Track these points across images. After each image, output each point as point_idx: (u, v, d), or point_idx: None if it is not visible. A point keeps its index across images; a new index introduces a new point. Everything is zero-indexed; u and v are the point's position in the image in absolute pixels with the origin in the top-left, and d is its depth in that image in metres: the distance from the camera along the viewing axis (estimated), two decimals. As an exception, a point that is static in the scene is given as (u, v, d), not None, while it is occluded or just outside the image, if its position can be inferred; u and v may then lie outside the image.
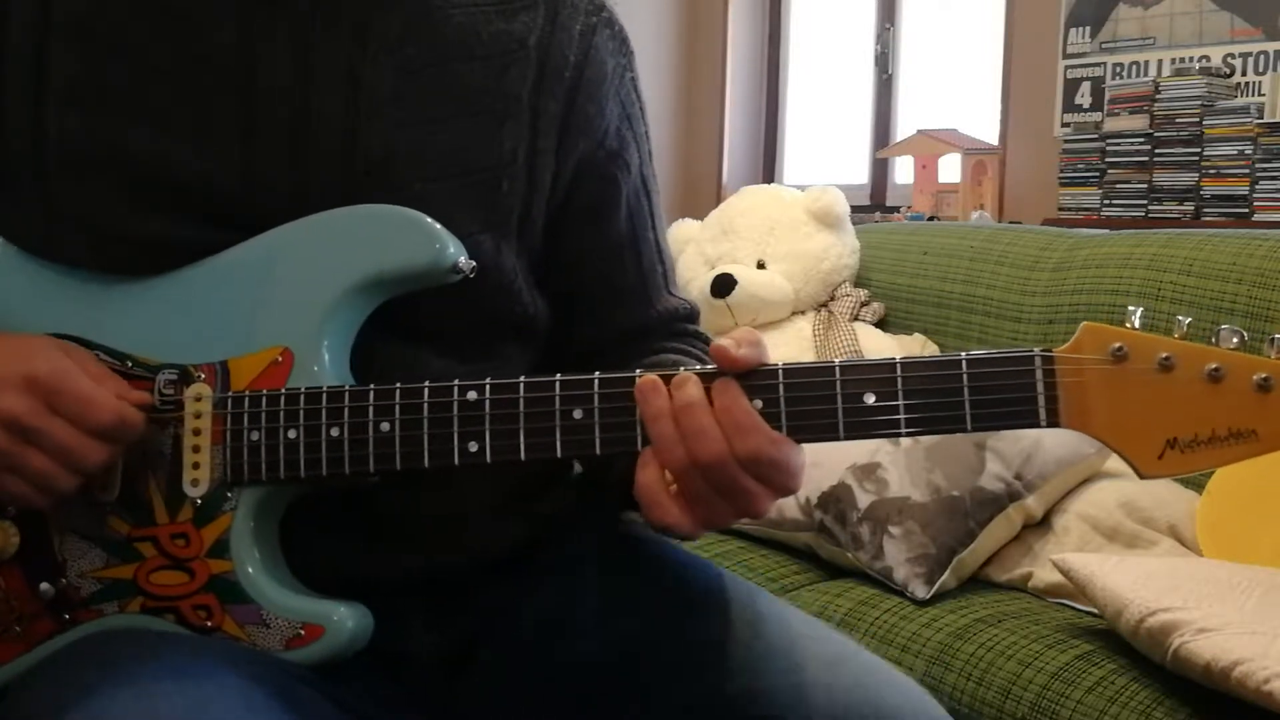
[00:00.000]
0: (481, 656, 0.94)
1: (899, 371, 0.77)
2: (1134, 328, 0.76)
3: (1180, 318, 0.75)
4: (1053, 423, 0.75)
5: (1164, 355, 0.74)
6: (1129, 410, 0.75)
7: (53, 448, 0.80)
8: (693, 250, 2.71)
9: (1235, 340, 0.74)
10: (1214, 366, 0.73)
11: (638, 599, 0.93)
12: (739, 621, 0.90)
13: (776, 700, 0.84)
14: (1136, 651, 1.37)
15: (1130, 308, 0.76)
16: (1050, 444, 1.73)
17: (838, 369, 0.78)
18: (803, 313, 2.58)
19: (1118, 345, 0.75)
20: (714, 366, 0.79)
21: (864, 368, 0.78)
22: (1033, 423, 0.76)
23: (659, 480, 0.79)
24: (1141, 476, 0.76)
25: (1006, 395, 0.76)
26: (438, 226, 0.86)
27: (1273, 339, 0.73)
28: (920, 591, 1.64)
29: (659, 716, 0.87)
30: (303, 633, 0.83)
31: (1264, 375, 0.73)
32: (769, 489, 0.79)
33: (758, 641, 0.89)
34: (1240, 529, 1.61)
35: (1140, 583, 1.38)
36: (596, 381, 0.81)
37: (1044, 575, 1.66)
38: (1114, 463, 1.80)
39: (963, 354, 0.77)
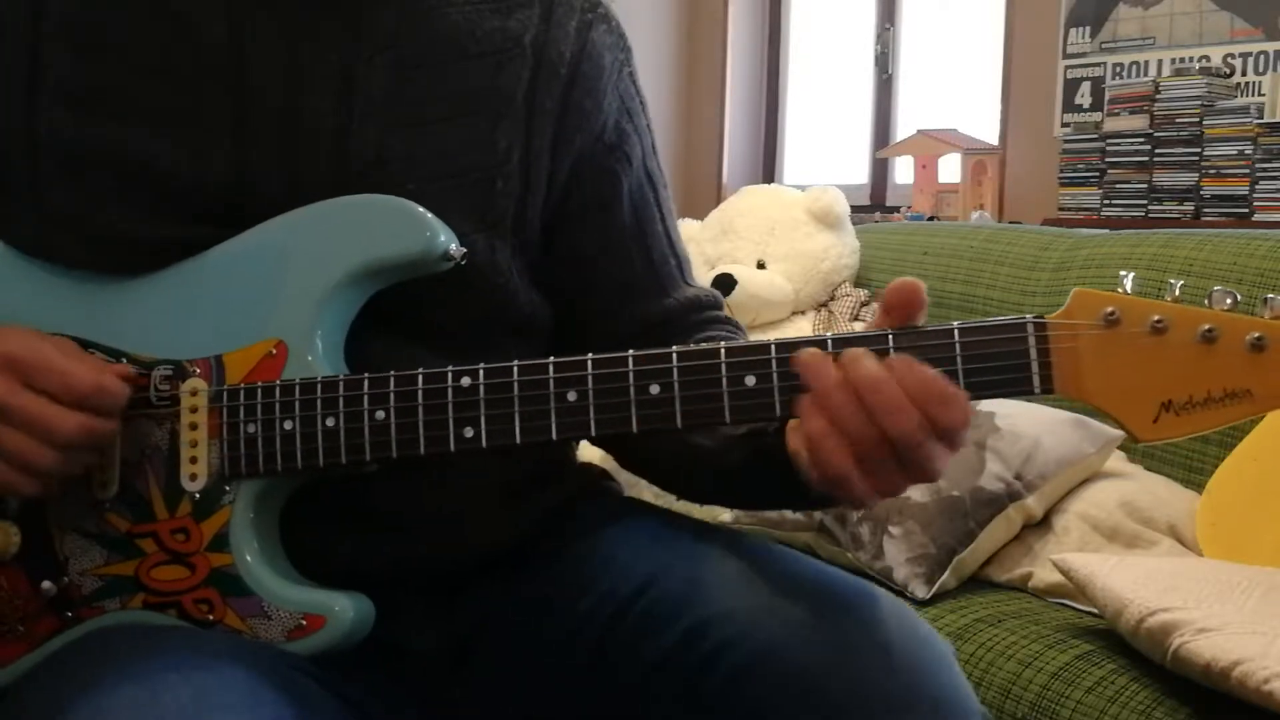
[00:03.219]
0: (481, 650, 0.94)
1: (891, 343, 0.77)
2: (1126, 293, 0.75)
3: (1172, 281, 0.75)
4: (1046, 389, 0.75)
5: (1156, 318, 0.74)
6: (1123, 374, 0.74)
7: (26, 422, 0.80)
8: (693, 250, 2.70)
9: (1229, 301, 0.74)
10: (1207, 328, 0.73)
11: (624, 559, 0.91)
12: (724, 559, 0.89)
13: (732, 622, 0.83)
14: (1136, 651, 1.37)
15: (1122, 273, 0.76)
16: (1050, 444, 1.73)
17: (829, 342, 0.77)
18: (803, 313, 2.58)
19: (1110, 310, 0.74)
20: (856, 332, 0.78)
21: (852, 340, 0.77)
22: (1026, 389, 0.76)
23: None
24: (1137, 441, 0.75)
25: (1000, 363, 0.76)
26: (428, 214, 0.86)
27: (1266, 299, 0.73)
28: (920, 591, 1.63)
29: (647, 661, 0.86)
30: (304, 623, 0.84)
31: (1258, 334, 0.72)
32: (952, 451, 0.76)
33: (735, 570, 0.88)
34: (1240, 529, 1.61)
35: (1140, 583, 1.38)
36: (590, 363, 0.81)
37: (1044, 575, 1.66)
38: (1114, 462, 1.80)
39: (955, 323, 0.77)
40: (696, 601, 0.87)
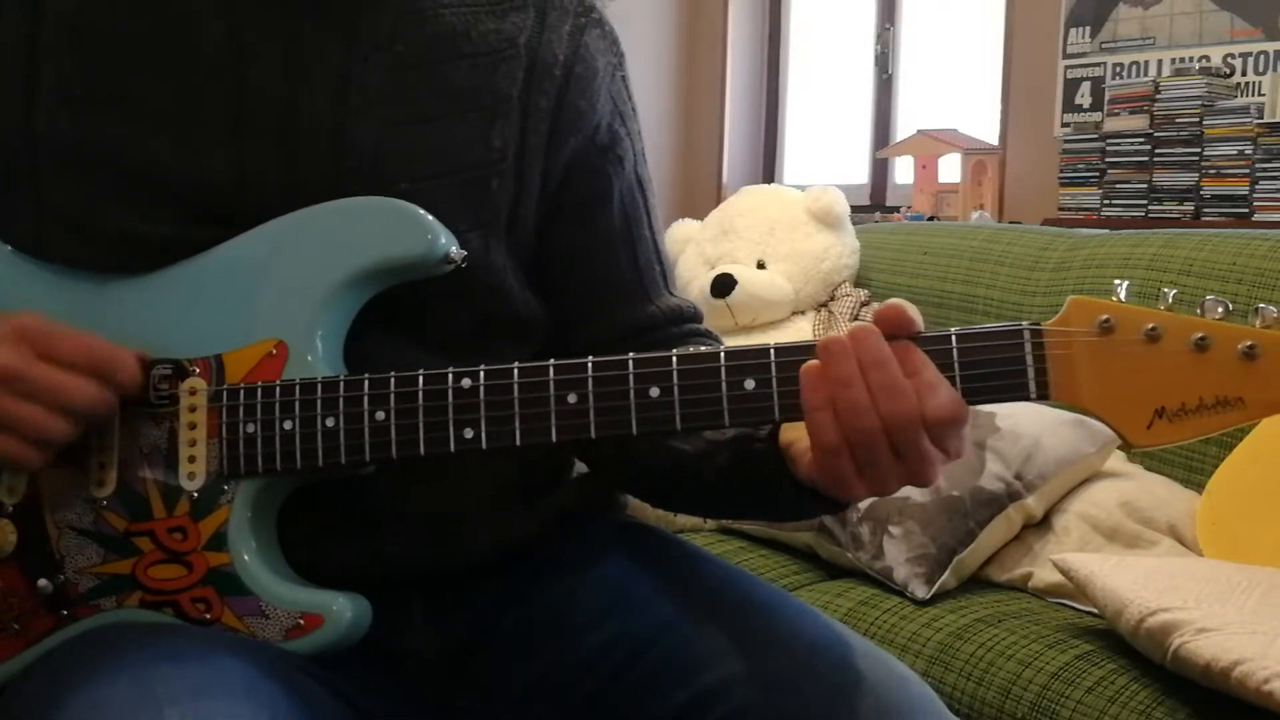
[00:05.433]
0: (480, 652, 0.94)
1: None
2: (1120, 300, 0.76)
3: (1165, 289, 0.76)
4: (1042, 395, 0.76)
5: (1150, 326, 0.75)
6: (1117, 381, 0.75)
7: (41, 390, 0.80)
8: (693, 250, 2.70)
9: (1220, 310, 0.75)
10: (1200, 336, 0.74)
11: (639, 599, 0.92)
12: (736, 616, 0.90)
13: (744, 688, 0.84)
14: (1136, 651, 1.37)
15: (1116, 281, 0.77)
16: (1050, 444, 1.73)
17: None
18: (803, 313, 2.58)
19: (1105, 317, 0.75)
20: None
21: None
22: (1023, 395, 0.76)
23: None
24: (1131, 447, 0.77)
25: (996, 369, 0.76)
26: (429, 217, 0.86)
27: (1256, 308, 0.74)
28: (920, 591, 1.63)
29: (655, 714, 0.87)
30: (302, 622, 0.84)
31: (1249, 343, 0.74)
32: (945, 453, 0.77)
33: (749, 633, 0.88)
34: (1240, 529, 1.61)
35: (1140, 583, 1.38)
36: (590, 365, 0.81)
37: (1044, 575, 1.65)
38: (1114, 462, 1.80)
39: (952, 329, 0.77)
40: (707, 664, 0.87)
